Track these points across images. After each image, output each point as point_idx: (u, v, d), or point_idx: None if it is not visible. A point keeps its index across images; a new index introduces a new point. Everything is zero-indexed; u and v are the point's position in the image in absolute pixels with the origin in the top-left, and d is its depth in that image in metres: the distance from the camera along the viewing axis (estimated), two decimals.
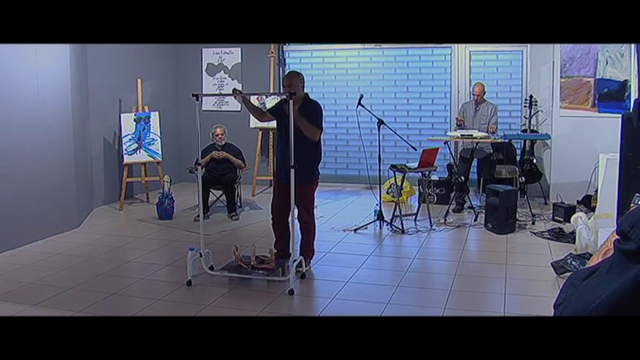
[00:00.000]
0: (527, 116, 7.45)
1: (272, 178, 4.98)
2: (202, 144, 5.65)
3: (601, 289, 1.09)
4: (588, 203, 6.81)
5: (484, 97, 7.03)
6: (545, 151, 7.67)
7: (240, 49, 8.81)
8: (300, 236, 4.87)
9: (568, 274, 4.49)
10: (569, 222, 5.74)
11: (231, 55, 8.89)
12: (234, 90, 4.85)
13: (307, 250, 4.85)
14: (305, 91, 4.72)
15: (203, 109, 8.73)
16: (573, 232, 5.43)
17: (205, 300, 4.18)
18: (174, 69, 9.13)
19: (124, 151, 7.34)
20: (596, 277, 1.14)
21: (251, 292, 4.34)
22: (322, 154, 4.88)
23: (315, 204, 5.05)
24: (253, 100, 8.37)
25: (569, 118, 7.34)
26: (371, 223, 6.28)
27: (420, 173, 6.60)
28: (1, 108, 5.27)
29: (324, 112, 4.80)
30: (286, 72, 5.53)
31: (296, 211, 4.57)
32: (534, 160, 7.43)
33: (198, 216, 5.03)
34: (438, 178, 7.48)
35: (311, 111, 4.57)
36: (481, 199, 7.00)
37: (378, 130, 6.14)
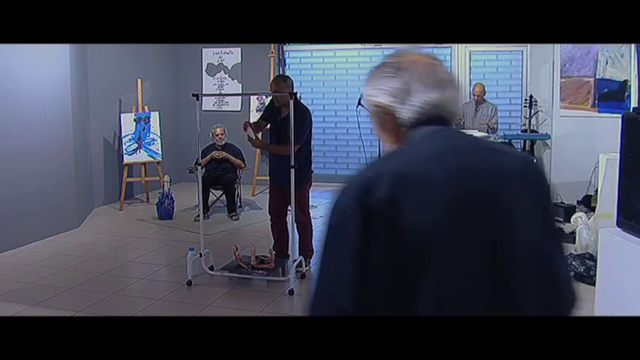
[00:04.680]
0: (527, 116, 7.45)
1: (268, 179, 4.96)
2: (202, 144, 5.64)
3: None
4: (588, 203, 6.81)
5: (484, 97, 7.02)
6: (545, 151, 7.67)
7: (240, 49, 8.81)
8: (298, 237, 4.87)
9: None
10: (569, 222, 5.73)
11: (231, 55, 8.88)
12: (245, 124, 4.72)
13: (306, 249, 4.85)
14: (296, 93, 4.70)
15: (203, 109, 8.72)
16: (573, 232, 5.42)
17: (205, 300, 4.18)
18: (174, 69, 9.13)
19: (124, 151, 7.34)
20: None
21: (251, 292, 4.34)
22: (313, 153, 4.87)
23: (314, 204, 5.03)
24: (253, 100, 8.39)
25: (569, 118, 7.33)
26: None
27: None
28: (1, 108, 5.27)
29: (313, 120, 4.74)
30: (274, 76, 5.44)
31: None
32: (534, 160, 7.42)
33: (198, 216, 5.03)
34: None
35: (297, 119, 4.38)
36: None
37: None
